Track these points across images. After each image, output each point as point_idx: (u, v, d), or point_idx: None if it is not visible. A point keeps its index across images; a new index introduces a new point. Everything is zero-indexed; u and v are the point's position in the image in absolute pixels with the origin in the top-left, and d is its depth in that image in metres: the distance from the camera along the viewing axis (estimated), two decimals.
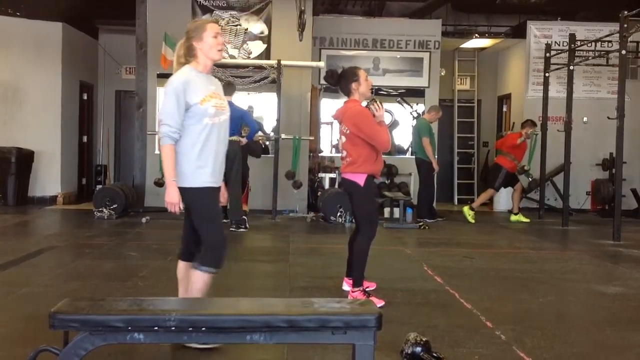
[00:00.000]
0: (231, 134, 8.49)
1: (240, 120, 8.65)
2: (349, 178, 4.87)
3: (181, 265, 3.87)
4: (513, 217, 10.46)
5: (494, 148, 11.28)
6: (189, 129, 3.60)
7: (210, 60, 3.73)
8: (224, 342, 3.10)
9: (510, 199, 12.08)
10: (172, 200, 3.57)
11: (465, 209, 10.25)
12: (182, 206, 3.60)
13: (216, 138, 3.67)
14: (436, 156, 10.34)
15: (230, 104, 8.73)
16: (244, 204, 9.17)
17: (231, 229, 8.59)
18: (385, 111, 4.95)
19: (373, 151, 4.80)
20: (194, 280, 3.67)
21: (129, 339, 2.48)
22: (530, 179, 11.13)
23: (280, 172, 10.17)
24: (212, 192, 3.70)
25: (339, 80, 4.94)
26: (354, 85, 4.86)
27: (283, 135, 10.10)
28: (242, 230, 8.58)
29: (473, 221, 10.11)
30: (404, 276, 5.98)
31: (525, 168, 10.83)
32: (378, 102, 4.86)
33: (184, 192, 3.61)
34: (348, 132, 4.81)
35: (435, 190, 10.66)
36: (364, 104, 4.94)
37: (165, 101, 3.63)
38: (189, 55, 3.72)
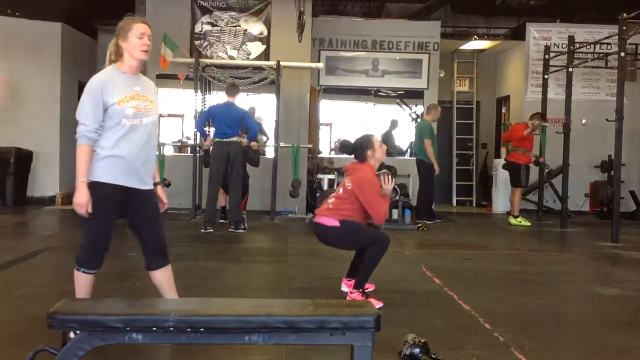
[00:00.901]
0: (232, 135, 8.64)
1: (241, 122, 8.65)
2: (322, 223, 4.81)
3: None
4: (513, 220, 10.28)
5: (502, 140, 11.20)
6: (107, 131, 3.55)
7: (135, 60, 3.64)
8: (222, 343, 3.10)
9: (508, 201, 12.11)
10: (79, 200, 3.49)
11: (512, 220, 10.17)
12: (89, 209, 3.50)
13: (137, 140, 3.59)
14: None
15: (232, 105, 8.85)
16: (242, 209, 9.14)
17: (230, 229, 8.61)
18: (393, 188, 4.99)
19: (360, 215, 4.78)
20: (75, 279, 3.70)
21: (127, 339, 2.47)
22: (547, 170, 10.98)
23: (280, 172, 10.17)
24: (104, 188, 3.55)
25: (354, 150, 4.98)
26: (369, 152, 4.90)
27: (282, 144, 10.14)
28: (240, 230, 8.56)
29: (529, 223, 10.10)
30: (403, 277, 5.98)
31: (540, 160, 10.72)
32: (389, 176, 4.88)
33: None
34: (349, 188, 4.81)
35: (434, 192, 10.64)
36: (377, 171, 4.97)
37: (82, 101, 3.59)
38: (117, 54, 3.66)
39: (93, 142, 3.53)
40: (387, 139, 12.58)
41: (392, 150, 12.31)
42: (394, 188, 5.05)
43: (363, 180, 4.79)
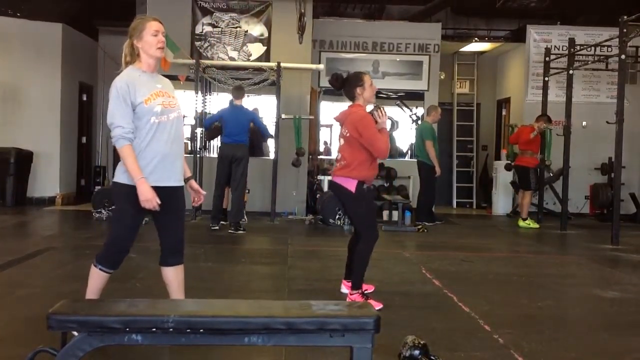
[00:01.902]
0: (241, 138, 8.74)
1: (249, 124, 8.89)
2: (338, 182, 4.84)
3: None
4: (522, 223, 10.25)
5: (509, 143, 11.18)
6: (137, 131, 3.55)
7: (153, 58, 3.68)
8: (221, 344, 3.10)
9: (509, 203, 12.13)
10: (146, 197, 3.47)
11: (521, 223, 10.17)
12: (158, 201, 3.50)
13: (166, 137, 3.59)
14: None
15: (240, 108, 8.99)
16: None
17: (230, 230, 8.67)
18: (388, 118, 4.94)
19: (369, 157, 4.79)
20: (90, 274, 3.71)
21: (127, 340, 2.47)
22: (550, 174, 10.93)
23: (280, 174, 10.18)
24: (134, 192, 3.51)
25: (344, 85, 4.94)
26: (358, 90, 4.87)
27: (284, 115, 10.24)
28: (240, 232, 8.62)
29: (537, 226, 10.12)
30: (403, 279, 5.98)
31: (547, 163, 10.68)
32: (382, 109, 4.85)
33: (112, 186, 3.65)
34: (348, 135, 4.81)
35: (435, 194, 10.62)
36: (369, 109, 4.94)
37: (112, 104, 3.57)
38: (132, 55, 3.68)
39: (131, 142, 3.52)
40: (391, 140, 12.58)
41: (393, 152, 12.29)
42: (389, 119, 5.02)
43: (355, 121, 4.77)
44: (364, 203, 4.88)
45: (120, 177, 3.61)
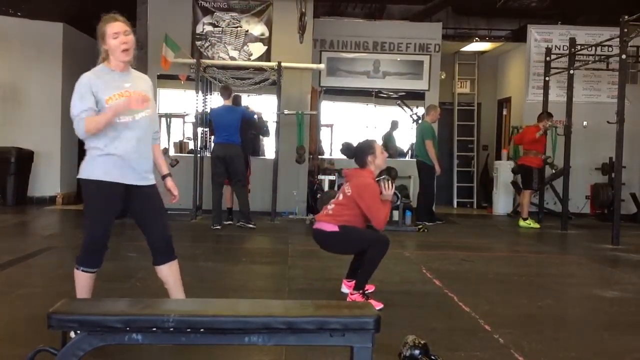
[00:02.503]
0: (232, 138, 8.77)
1: (240, 122, 8.87)
2: (322, 228, 4.81)
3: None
4: (522, 223, 10.25)
5: (514, 143, 11.15)
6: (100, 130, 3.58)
7: (120, 61, 3.65)
8: (222, 344, 3.10)
9: (509, 203, 12.12)
10: (116, 110, 3.52)
11: (522, 223, 10.17)
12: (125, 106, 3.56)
13: (129, 136, 3.61)
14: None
15: (229, 107, 9.08)
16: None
17: (240, 223, 9.00)
18: (394, 193, 4.98)
19: (359, 220, 4.79)
20: (75, 278, 3.72)
21: (127, 339, 2.47)
22: (554, 170, 10.90)
23: (281, 173, 10.18)
24: (102, 187, 3.59)
25: (355, 154, 4.98)
26: (369, 158, 4.90)
27: (286, 111, 10.26)
28: (250, 226, 8.89)
29: (538, 226, 10.11)
30: (403, 279, 5.98)
31: (549, 161, 10.61)
32: (389, 182, 4.88)
33: (80, 183, 3.67)
34: (349, 194, 4.81)
35: (435, 193, 10.61)
36: (377, 171, 4.97)
37: (72, 99, 3.62)
38: (106, 55, 3.69)
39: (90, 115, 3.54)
40: (388, 140, 12.59)
41: (393, 152, 12.30)
42: (394, 193, 5.04)
43: (362, 186, 4.79)
44: (354, 232, 4.81)
45: (83, 173, 3.63)
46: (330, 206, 4.92)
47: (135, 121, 3.62)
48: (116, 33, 3.61)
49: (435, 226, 9.90)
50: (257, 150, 10.67)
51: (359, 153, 4.96)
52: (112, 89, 3.59)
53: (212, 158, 9.03)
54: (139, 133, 3.64)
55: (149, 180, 3.75)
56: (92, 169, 3.60)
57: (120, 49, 3.61)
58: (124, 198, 3.66)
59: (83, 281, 3.70)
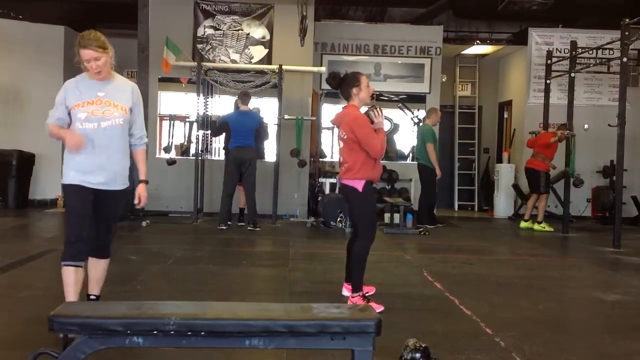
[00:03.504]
0: (249, 142, 9.00)
1: (255, 128, 9.19)
2: (347, 184, 4.88)
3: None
4: (537, 226, 10.22)
5: (526, 146, 11.09)
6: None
7: (93, 79, 3.90)
8: (222, 347, 3.10)
9: (510, 206, 12.10)
10: (70, 142, 3.86)
11: (537, 227, 10.15)
12: (79, 141, 3.85)
13: (94, 143, 3.85)
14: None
15: (247, 113, 9.22)
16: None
17: (249, 227, 9.14)
18: (385, 118, 4.94)
19: (370, 157, 4.80)
20: (62, 277, 3.91)
21: (128, 342, 2.47)
22: (573, 178, 10.76)
23: (281, 176, 10.19)
24: (73, 189, 3.89)
25: (341, 84, 4.94)
26: (354, 90, 4.87)
27: (286, 116, 10.31)
28: (258, 229, 9.08)
29: (552, 229, 10.05)
30: (404, 282, 5.98)
31: (569, 171, 10.45)
32: (378, 109, 4.86)
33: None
34: (345, 137, 4.82)
35: (436, 196, 10.58)
36: (364, 109, 4.95)
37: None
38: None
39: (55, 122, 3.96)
40: (387, 143, 12.57)
41: (393, 155, 12.32)
42: (388, 120, 5.04)
43: (350, 121, 4.79)
44: (368, 203, 4.93)
45: (64, 179, 3.94)
46: (341, 159, 4.96)
47: (100, 129, 3.86)
48: (87, 60, 3.83)
49: (435, 229, 9.89)
50: (263, 154, 10.69)
51: (344, 84, 4.93)
52: (85, 96, 3.87)
53: (229, 161, 9.21)
54: (103, 141, 3.86)
55: (116, 185, 3.97)
56: (65, 173, 3.93)
57: (94, 72, 3.86)
58: (94, 198, 3.91)
59: (69, 277, 3.86)
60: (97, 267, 4.09)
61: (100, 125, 3.84)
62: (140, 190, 4.10)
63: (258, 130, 9.32)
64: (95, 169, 3.87)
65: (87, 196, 3.88)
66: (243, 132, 9.08)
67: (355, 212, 5.02)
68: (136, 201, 4.09)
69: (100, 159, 3.87)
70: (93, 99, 3.86)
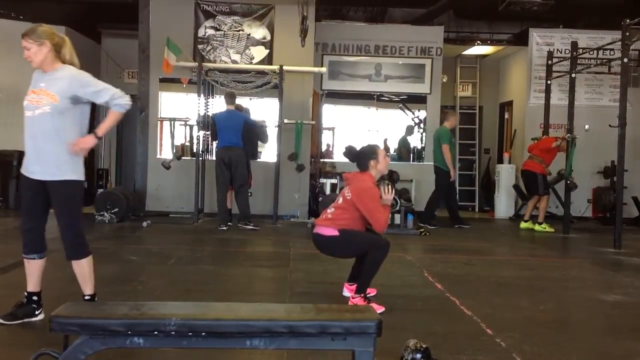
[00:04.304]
0: (235, 141, 8.94)
1: (243, 126, 9.15)
2: (321, 232, 4.81)
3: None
4: (537, 227, 10.22)
5: (527, 151, 11.06)
6: None
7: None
8: (223, 348, 3.11)
9: (511, 206, 12.10)
10: None
11: (537, 227, 10.16)
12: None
13: (29, 132, 4.03)
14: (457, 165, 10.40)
15: (232, 112, 9.27)
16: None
17: (239, 225, 9.17)
18: (393, 197, 4.98)
19: (359, 223, 4.79)
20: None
21: (129, 343, 2.47)
22: (568, 182, 10.75)
23: (282, 177, 10.19)
24: (22, 179, 4.11)
25: (357, 157, 4.97)
26: (372, 162, 4.90)
27: (286, 120, 10.29)
28: (250, 227, 9.05)
29: (552, 229, 10.06)
30: (405, 282, 5.98)
31: (565, 174, 10.32)
32: (389, 186, 4.87)
33: None
34: (349, 198, 4.81)
35: (441, 200, 10.50)
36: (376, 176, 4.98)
37: None
38: None
39: None
40: (403, 144, 12.64)
41: (408, 156, 12.42)
42: (394, 197, 5.04)
43: (362, 190, 4.79)
44: (354, 235, 4.81)
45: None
46: (330, 210, 4.91)
47: (33, 117, 4.00)
48: (23, 47, 4.19)
49: (436, 230, 9.87)
50: (255, 154, 10.69)
51: (361, 157, 4.96)
52: (33, 85, 4.10)
53: (217, 161, 9.26)
54: (35, 129, 3.99)
55: (54, 175, 4.00)
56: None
57: (29, 60, 4.15)
58: (44, 189, 4.00)
59: (27, 269, 4.18)
60: (75, 268, 4.18)
61: (34, 113, 3.98)
62: (82, 139, 4.03)
63: (247, 130, 9.32)
64: (30, 157, 4.03)
65: (29, 185, 4.02)
66: (228, 131, 9.13)
67: (352, 251, 4.92)
68: (76, 147, 4.01)
69: (34, 148, 4.00)
70: (36, 88, 4.05)
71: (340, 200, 4.90)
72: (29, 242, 4.07)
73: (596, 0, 12.02)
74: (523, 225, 10.40)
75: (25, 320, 4.06)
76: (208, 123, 10.35)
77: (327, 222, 4.83)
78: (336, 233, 4.75)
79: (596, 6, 12.01)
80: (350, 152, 5.06)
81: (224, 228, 9.05)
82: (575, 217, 11.21)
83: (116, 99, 4.10)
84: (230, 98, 9.39)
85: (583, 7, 12.11)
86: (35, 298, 4.17)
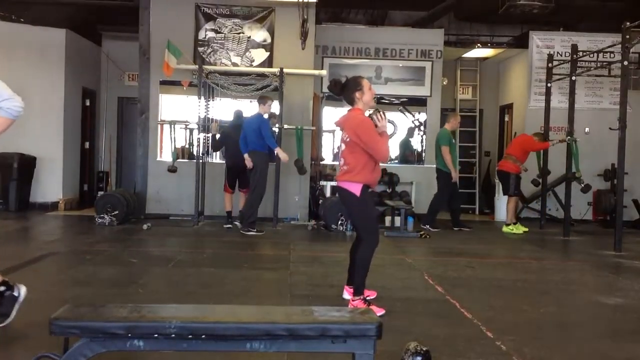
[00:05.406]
0: (252, 145, 8.91)
1: (258, 131, 8.98)
2: (344, 187, 4.87)
3: None
4: (505, 228, 10.35)
5: (505, 153, 11.11)
6: None
7: None
8: (223, 350, 3.10)
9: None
10: None
11: (505, 229, 10.26)
12: None
13: None
14: (458, 167, 10.41)
15: (255, 115, 9.14)
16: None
17: (235, 222, 9.32)
18: (388, 122, 4.96)
19: (371, 160, 4.80)
20: None
21: (129, 345, 2.47)
22: (582, 185, 10.58)
23: (282, 179, 10.18)
24: None
25: (343, 90, 4.96)
26: (357, 94, 4.88)
27: (286, 126, 10.31)
28: (252, 232, 8.96)
29: (523, 229, 10.19)
30: (405, 285, 5.98)
31: (577, 175, 10.37)
32: (381, 112, 4.86)
33: None
34: (348, 140, 4.82)
35: (444, 202, 10.51)
36: (368, 112, 4.96)
37: None
38: None
39: None
40: (404, 146, 12.64)
41: (412, 158, 12.41)
42: (390, 122, 5.05)
43: (356, 126, 4.79)
44: (367, 207, 4.92)
45: None
46: (342, 161, 4.94)
47: None
48: None
49: (436, 232, 9.87)
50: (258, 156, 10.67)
51: (346, 89, 4.94)
52: None
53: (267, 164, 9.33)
54: None
55: None
56: None
57: None
58: None
59: None
60: None
61: None
62: None
63: (247, 134, 9.14)
64: None
65: None
66: (247, 134, 9.09)
67: (354, 217, 5.02)
68: None
69: None
70: None
71: (343, 146, 4.92)
72: None
73: (596, 3, 12.04)
74: (505, 229, 10.38)
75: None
76: (208, 125, 10.35)
77: (346, 175, 4.84)
78: (357, 192, 4.78)
79: (596, 9, 12.02)
80: (335, 85, 5.02)
81: (229, 227, 9.44)
82: (575, 220, 11.21)
83: (4, 103, 4.01)
84: (260, 100, 9.32)
85: (583, 10, 12.11)
86: None
